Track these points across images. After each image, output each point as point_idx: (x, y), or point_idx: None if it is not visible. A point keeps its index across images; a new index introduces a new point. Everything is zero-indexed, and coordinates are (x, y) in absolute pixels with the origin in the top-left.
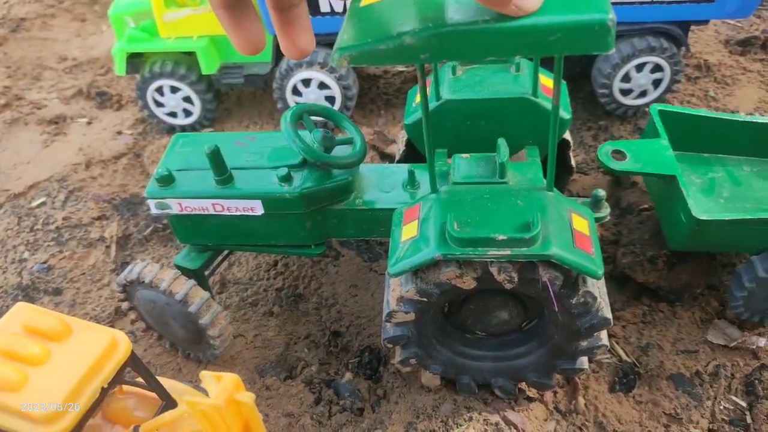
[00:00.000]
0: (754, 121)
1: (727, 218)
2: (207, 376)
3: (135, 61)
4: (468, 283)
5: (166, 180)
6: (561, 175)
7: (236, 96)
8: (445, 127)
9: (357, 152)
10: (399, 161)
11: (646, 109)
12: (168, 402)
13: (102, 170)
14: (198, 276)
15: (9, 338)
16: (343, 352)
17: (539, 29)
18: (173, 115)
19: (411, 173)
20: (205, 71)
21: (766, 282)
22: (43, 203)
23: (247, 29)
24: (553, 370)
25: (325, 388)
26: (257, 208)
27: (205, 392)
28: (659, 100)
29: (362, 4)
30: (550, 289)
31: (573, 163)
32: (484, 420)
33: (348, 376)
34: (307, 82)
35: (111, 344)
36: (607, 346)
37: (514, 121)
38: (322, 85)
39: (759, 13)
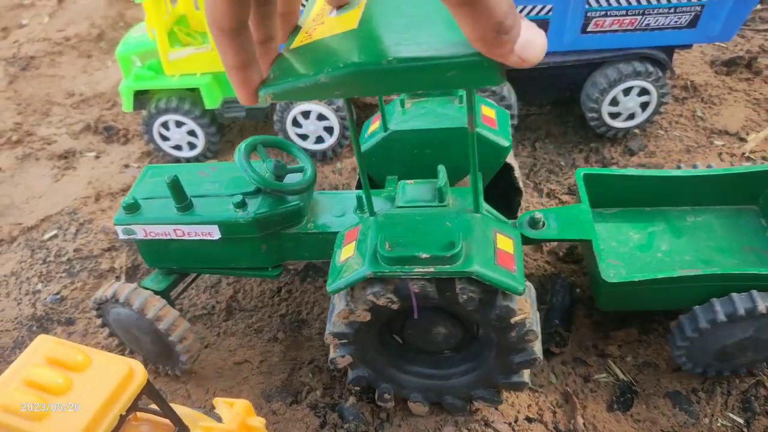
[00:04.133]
0: (687, 174)
1: (635, 279)
2: (220, 403)
3: (141, 97)
4: (393, 302)
5: (132, 208)
6: (510, 197)
7: (238, 128)
8: (394, 156)
9: (306, 179)
10: (357, 188)
11: (636, 131)
12: (181, 428)
13: (111, 203)
14: (164, 297)
15: (33, 370)
16: (346, 377)
17: (436, 67)
18: (178, 148)
19: (359, 198)
20: (208, 106)
21: (708, 333)
22: (55, 236)
23: (255, 85)
24: (470, 397)
25: (330, 412)
26: (214, 233)
27: (216, 418)
28: (648, 121)
29: (292, 46)
30: (413, 300)
31: (521, 185)
32: None
33: (351, 400)
34: (306, 114)
35: (128, 373)
36: (540, 359)
37: (457, 149)
38: (321, 117)
39: (743, 33)
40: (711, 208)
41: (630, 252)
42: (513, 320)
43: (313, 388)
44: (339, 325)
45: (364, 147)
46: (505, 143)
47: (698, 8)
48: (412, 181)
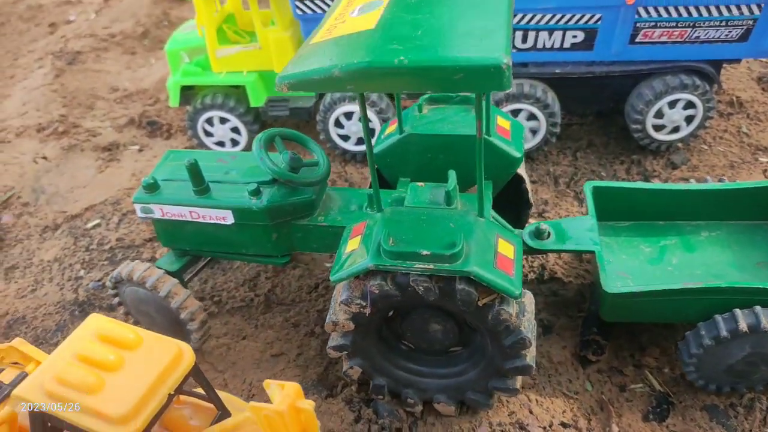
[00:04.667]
0: (700, 188)
1: (635, 290)
2: (272, 385)
3: (187, 93)
4: (392, 295)
5: (152, 188)
6: (519, 209)
7: (280, 126)
8: (408, 158)
9: (319, 173)
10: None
11: (679, 145)
12: (223, 412)
13: None
14: (177, 278)
15: (87, 345)
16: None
17: (444, 69)
18: (221, 144)
19: (370, 196)
20: (253, 104)
21: (714, 349)
22: (98, 224)
23: None
24: (488, 389)
25: (365, 408)
26: (228, 218)
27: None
28: (692, 135)
29: (313, 41)
30: (368, 297)
31: (531, 198)
32: None
33: (387, 396)
34: (349, 115)
35: (178, 354)
36: (533, 367)
37: (470, 157)
38: None
39: None
40: (726, 223)
41: (639, 265)
42: (511, 325)
43: (348, 383)
44: (339, 314)
45: (379, 147)
46: (517, 154)
47: (750, 22)
48: (422, 183)
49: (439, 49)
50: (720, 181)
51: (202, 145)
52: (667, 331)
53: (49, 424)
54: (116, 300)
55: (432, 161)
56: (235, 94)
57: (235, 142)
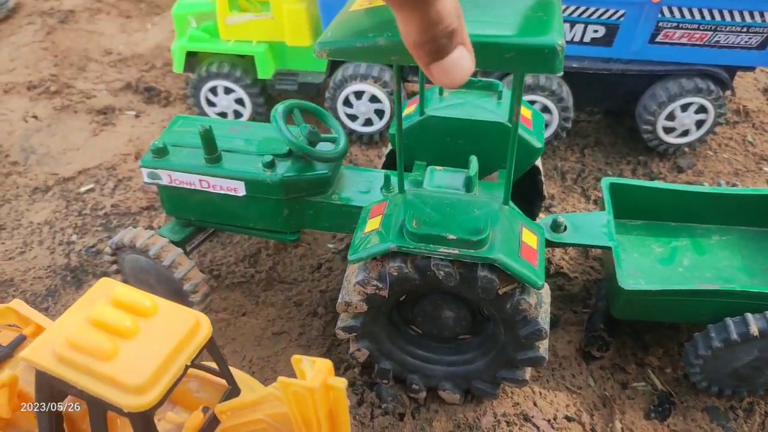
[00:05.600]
0: (715, 192)
1: (651, 289)
2: (304, 360)
3: (191, 60)
4: (412, 278)
5: (161, 152)
6: (533, 200)
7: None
8: (426, 141)
9: (339, 149)
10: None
11: (686, 149)
12: (234, 387)
13: None
14: (180, 248)
15: (100, 310)
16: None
17: (497, 46)
18: (223, 114)
19: (387, 177)
20: (260, 75)
21: (722, 352)
22: (92, 189)
23: None
24: (496, 379)
25: (368, 391)
26: (240, 189)
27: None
28: (700, 140)
29: (352, 8)
30: (386, 279)
31: (545, 190)
32: None
33: (391, 381)
34: (359, 95)
35: (195, 325)
36: (545, 359)
37: (490, 144)
38: (374, 99)
39: None
40: (736, 228)
41: (651, 264)
42: (529, 315)
43: (351, 365)
44: (353, 295)
45: (394, 129)
46: (538, 144)
47: None
48: (440, 167)
49: (491, 27)
50: (733, 186)
51: (203, 115)
52: (671, 332)
53: (57, 390)
54: (113, 267)
55: (450, 145)
56: (242, 64)
57: (238, 114)
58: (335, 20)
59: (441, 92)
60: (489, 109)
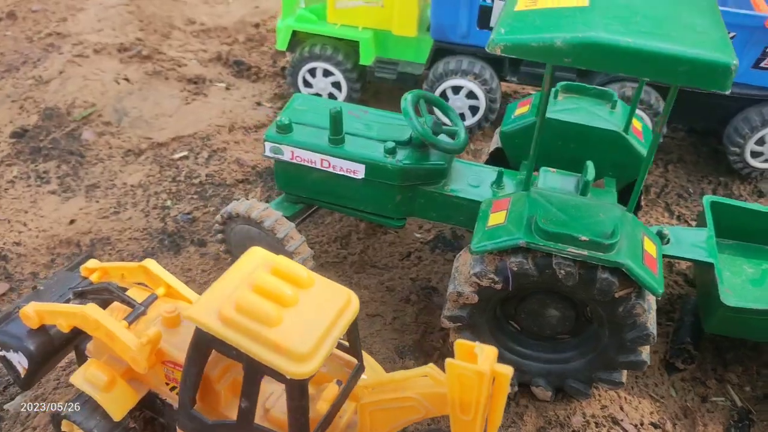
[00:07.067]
0: None
1: (752, 307)
2: (479, 346)
3: (293, 39)
4: (532, 275)
5: (286, 128)
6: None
7: (374, 90)
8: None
9: (460, 142)
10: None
11: None
12: (361, 365)
13: (244, 136)
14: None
15: (262, 277)
16: None
17: (671, 58)
18: (318, 96)
19: (500, 174)
20: (362, 61)
21: None
22: (186, 157)
23: None
24: (591, 379)
25: None
26: (359, 172)
27: None
28: None
29: (516, 8)
30: (507, 274)
31: (642, 201)
32: None
33: None
34: (456, 90)
35: (348, 300)
36: (647, 363)
37: (602, 151)
38: (471, 95)
39: None
40: None
41: (742, 283)
42: (641, 319)
43: (444, 354)
44: (466, 286)
45: (508, 128)
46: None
47: None
48: (553, 169)
49: (665, 38)
50: None
51: None
52: (752, 352)
53: (208, 350)
54: (219, 236)
55: (561, 149)
56: (345, 48)
57: (332, 98)
58: (504, 18)
59: (556, 95)
60: (603, 116)
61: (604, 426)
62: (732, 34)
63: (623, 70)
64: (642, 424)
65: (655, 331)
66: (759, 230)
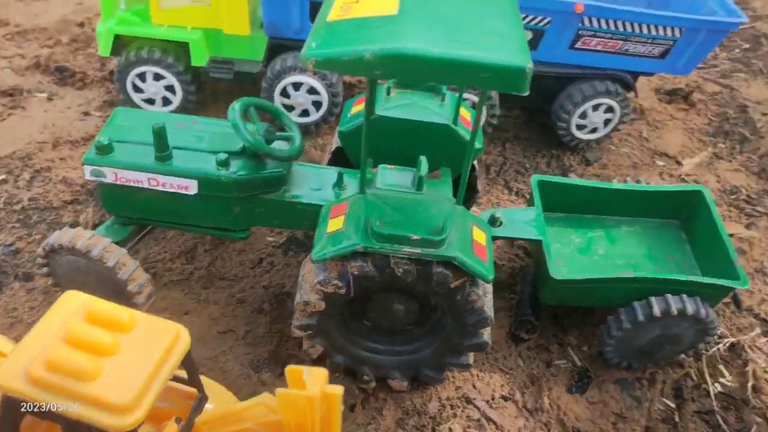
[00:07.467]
0: (624, 188)
1: (578, 278)
2: (307, 370)
3: (117, 42)
4: (373, 277)
5: (105, 149)
6: (468, 195)
7: (211, 90)
8: (374, 140)
9: (295, 148)
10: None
11: (594, 144)
12: (203, 396)
13: (71, 151)
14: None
15: (75, 326)
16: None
17: (474, 65)
18: (151, 101)
19: (340, 175)
20: (194, 63)
21: (631, 332)
22: (5, 181)
23: None
24: (443, 365)
25: None
26: (191, 188)
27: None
28: (606, 136)
29: (329, 18)
30: (348, 279)
31: (479, 186)
32: (467, 417)
33: (341, 374)
34: (297, 86)
35: (176, 336)
36: (489, 343)
37: (433, 144)
38: (312, 90)
39: None
40: (642, 220)
41: (571, 253)
42: (478, 305)
43: (301, 360)
44: (311, 294)
45: (345, 128)
46: (478, 145)
47: (671, 42)
48: (391, 166)
49: (469, 47)
50: (637, 182)
51: (128, 101)
52: (586, 315)
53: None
54: (44, 270)
55: (396, 145)
56: (174, 50)
57: (167, 101)
58: (316, 29)
59: (388, 92)
60: (434, 110)
61: (459, 407)
62: (548, 20)
63: (433, 80)
64: (493, 399)
65: (492, 314)
66: (582, 202)
